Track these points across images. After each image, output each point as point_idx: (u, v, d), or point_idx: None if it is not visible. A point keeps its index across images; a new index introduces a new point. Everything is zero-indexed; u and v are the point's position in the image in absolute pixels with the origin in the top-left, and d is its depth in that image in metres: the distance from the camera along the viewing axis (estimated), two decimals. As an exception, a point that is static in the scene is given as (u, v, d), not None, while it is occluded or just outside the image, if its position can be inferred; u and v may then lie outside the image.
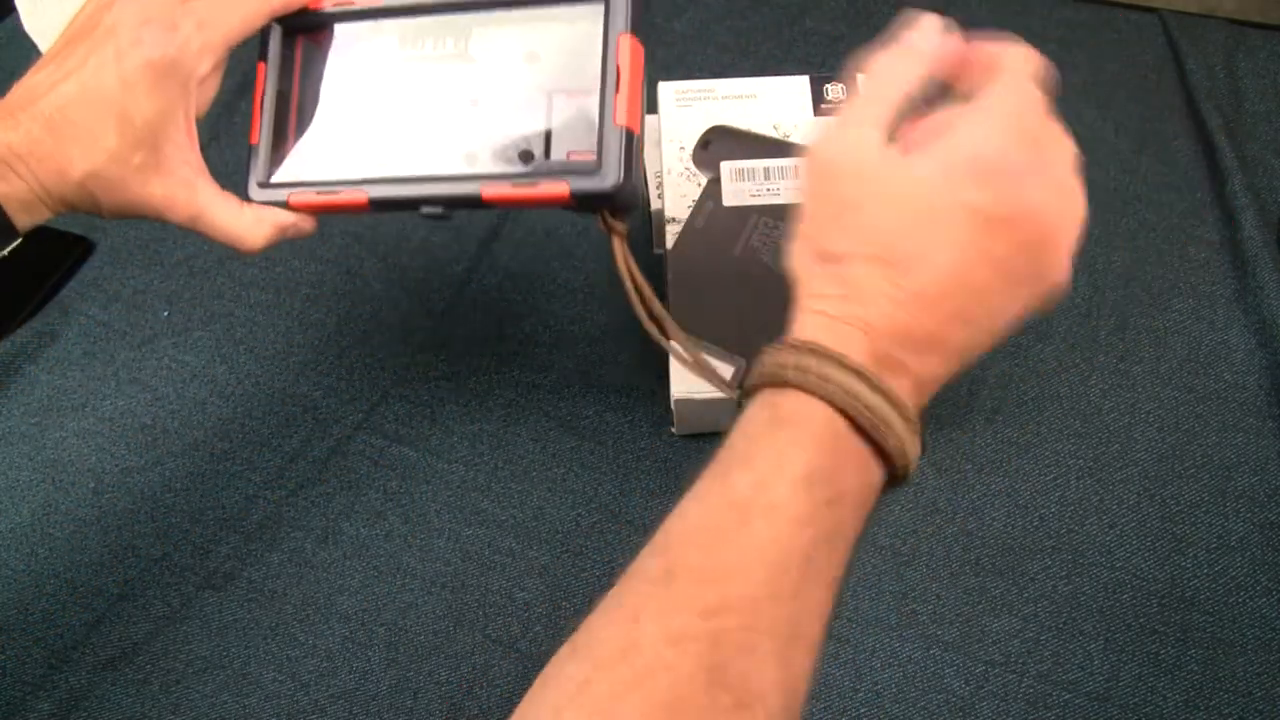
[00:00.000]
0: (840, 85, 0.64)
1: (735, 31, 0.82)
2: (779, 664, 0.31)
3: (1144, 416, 0.61)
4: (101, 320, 0.67)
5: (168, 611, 0.55)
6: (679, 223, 0.60)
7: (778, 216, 0.60)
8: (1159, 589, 0.54)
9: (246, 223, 0.47)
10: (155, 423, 0.62)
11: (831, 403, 0.33)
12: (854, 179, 0.35)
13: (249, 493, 0.59)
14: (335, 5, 0.48)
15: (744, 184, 0.61)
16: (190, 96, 0.45)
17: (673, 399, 0.56)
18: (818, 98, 0.64)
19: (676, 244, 0.59)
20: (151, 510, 0.59)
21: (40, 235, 0.71)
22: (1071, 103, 0.77)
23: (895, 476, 0.35)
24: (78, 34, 0.45)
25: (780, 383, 0.34)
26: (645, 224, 0.69)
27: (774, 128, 0.63)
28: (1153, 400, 0.61)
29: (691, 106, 0.64)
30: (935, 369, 0.35)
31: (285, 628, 0.54)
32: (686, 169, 0.62)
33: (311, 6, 0.48)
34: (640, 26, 0.41)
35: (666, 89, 0.65)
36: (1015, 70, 0.36)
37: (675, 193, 0.61)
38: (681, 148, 0.62)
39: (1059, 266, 0.35)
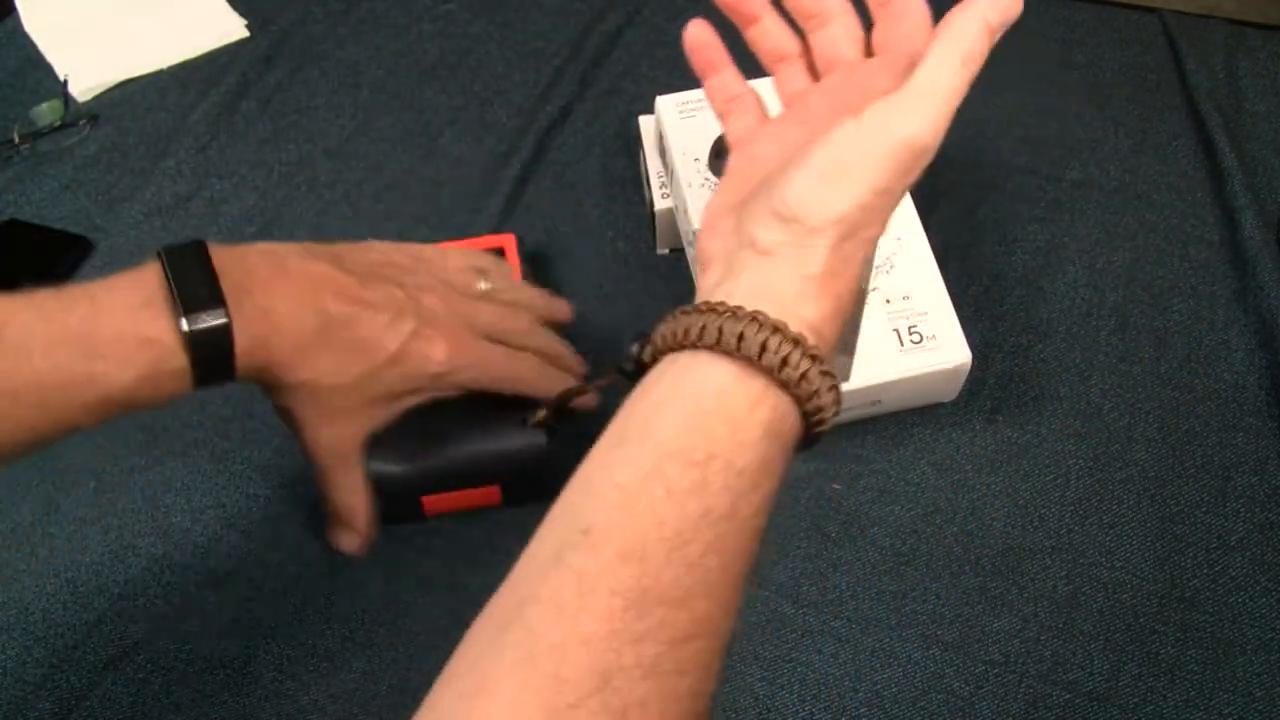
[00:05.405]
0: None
1: (735, 32, 0.82)
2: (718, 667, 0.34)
3: (1144, 416, 0.61)
4: (101, 320, 0.67)
5: (168, 611, 0.55)
6: None
7: None
8: (1159, 589, 0.54)
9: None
10: (155, 422, 0.62)
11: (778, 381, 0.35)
12: None
13: (249, 491, 0.59)
14: None
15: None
16: (413, 398, 0.49)
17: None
18: (818, 98, 0.63)
19: None
20: (151, 510, 0.58)
21: (40, 235, 0.72)
22: (1071, 103, 0.78)
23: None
24: (394, 268, 0.47)
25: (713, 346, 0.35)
26: (646, 224, 0.69)
27: (775, 128, 0.63)
28: (1153, 400, 0.61)
29: (695, 116, 0.63)
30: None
31: (285, 628, 0.54)
32: (706, 179, 0.61)
33: None
34: None
35: (667, 103, 0.64)
36: None
37: (696, 204, 0.60)
38: (696, 159, 0.62)
39: None
